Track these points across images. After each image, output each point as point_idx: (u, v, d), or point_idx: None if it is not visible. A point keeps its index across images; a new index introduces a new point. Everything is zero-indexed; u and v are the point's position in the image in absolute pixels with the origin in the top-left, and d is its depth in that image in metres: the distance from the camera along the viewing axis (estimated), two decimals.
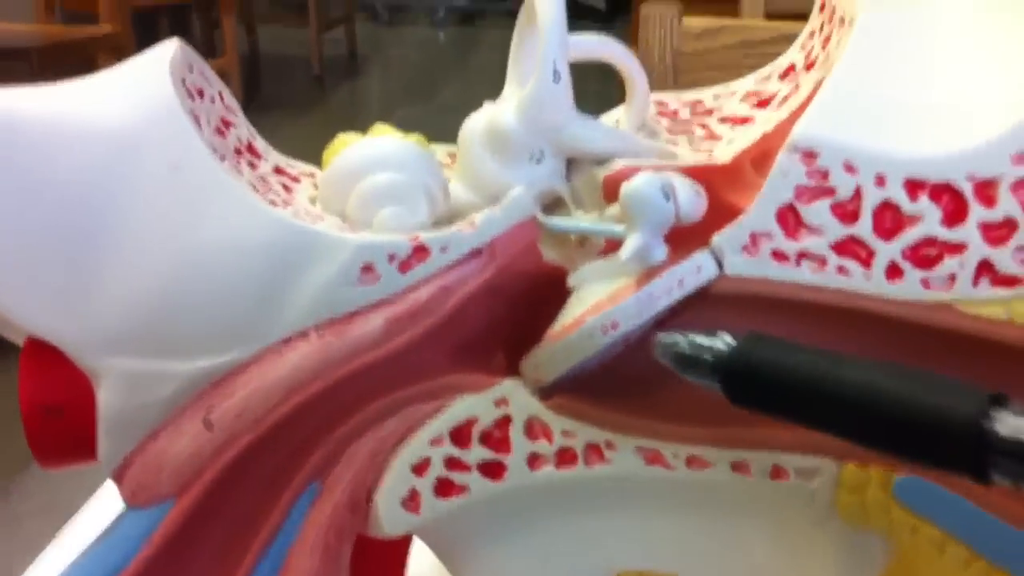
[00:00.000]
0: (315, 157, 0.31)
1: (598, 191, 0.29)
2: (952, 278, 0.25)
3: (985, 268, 0.24)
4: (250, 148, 0.31)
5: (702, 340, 0.23)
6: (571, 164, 0.30)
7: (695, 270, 0.26)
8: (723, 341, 0.23)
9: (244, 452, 0.27)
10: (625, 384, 0.27)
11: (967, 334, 0.25)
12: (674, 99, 0.35)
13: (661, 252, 0.26)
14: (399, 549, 0.33)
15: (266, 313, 0.26)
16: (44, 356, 0.27)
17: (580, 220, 0.28)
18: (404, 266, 0.27)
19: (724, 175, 0.28)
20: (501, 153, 0.29)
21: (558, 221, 0.28)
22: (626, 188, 0.26)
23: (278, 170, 0.31)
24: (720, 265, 0.26)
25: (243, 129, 0.31)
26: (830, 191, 0.25)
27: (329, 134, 0.30)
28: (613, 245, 0.28)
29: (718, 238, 0.26)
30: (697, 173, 0.28)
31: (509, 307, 0.28)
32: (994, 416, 0.18)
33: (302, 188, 0.31)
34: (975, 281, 0.24)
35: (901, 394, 0.19)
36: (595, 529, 0.29)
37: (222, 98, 0.31)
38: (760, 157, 0.29)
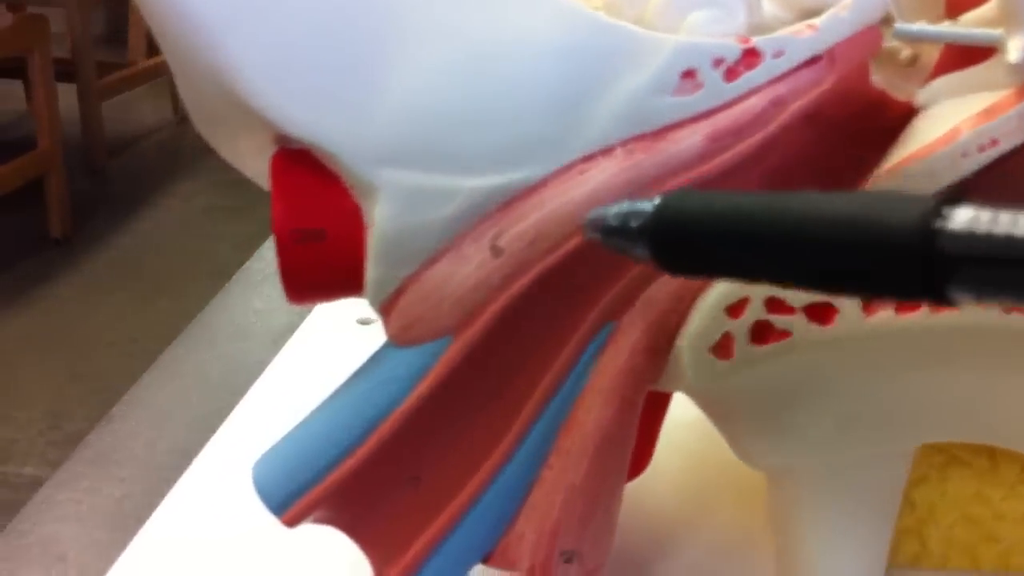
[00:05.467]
0: None
1: (932, 7, 0.25)
2: None
3: None
4: None
5: (629, 206, 0.20)
6: None
7: None
8: (651, 203, 0.19)
9: (535, 283, 0.23)
10: None
11: None
12: None
13: None
14: (655, 417, 0.30)
15: (567, 125, 0.23)
16: (298, 176, 0.24)
17: (938, 27, 0.24)
18: (731, 73, 0.23)
19: None
20: None
21: (917, 27, 0.24)
22: None
23: None
24: None
25: None
26: None
27: None
28: (953, 61, 0.24)
29: None
30: None
31: (831, 130, 0.24)
32: (946, 213, 0.14)
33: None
34: None
35: (841, 213, 0.16)
36: (910, 392, 0.25)
37: None
38: None
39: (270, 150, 0.24)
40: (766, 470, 0.27)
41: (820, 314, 0.23)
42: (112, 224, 2.09)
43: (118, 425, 0.38)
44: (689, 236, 0.18)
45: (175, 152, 2.43)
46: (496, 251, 0.23)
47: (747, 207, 0.17)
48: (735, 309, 0.24)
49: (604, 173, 0.23)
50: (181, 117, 2.54)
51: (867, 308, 0.23)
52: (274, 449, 0.25)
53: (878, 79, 0.25)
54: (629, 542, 0.30)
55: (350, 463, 0.24)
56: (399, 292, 0.24)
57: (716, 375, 0.24)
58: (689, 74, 0.23)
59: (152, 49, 2.52)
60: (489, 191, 0.23)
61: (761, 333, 0.24)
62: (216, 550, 0.31)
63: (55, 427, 1.53)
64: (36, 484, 1.35)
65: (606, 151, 0.23)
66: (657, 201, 0.19)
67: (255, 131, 0.24)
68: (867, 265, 0.15)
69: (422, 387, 0.24)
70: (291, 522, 0.25)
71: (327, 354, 0.40)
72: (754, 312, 0.24)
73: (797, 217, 0.16)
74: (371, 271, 0.23)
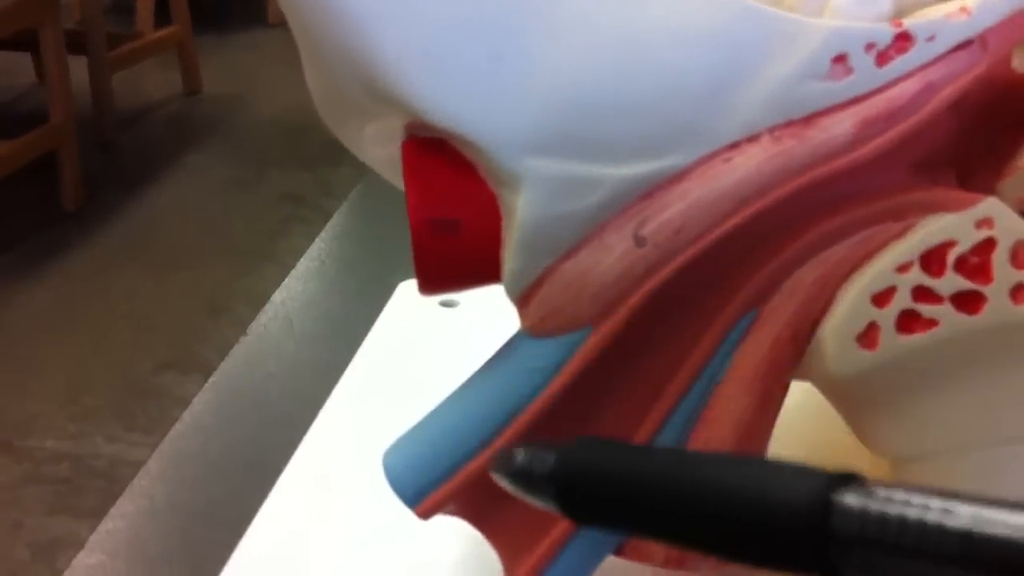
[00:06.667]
0: None
1: None
2: None
3: None
4: None
5: (533, 453, 0.19)
6: None
7: None
8: (555, 452, 0.19)
9: (679, 273, 0.23)
10: None
11: None
12: None
13: None
14: None
15: (715, 111, 0.22)
16: (432, 166, 0.24)
17: None
18: (882, 58, 0.22)
19: None
20: None
21: None
22: None
23: None
24: None
25: None
26: None
27: None
28: None
29: None
30: None
31: (975, 117, 0.24)
32: (843, 490, 0.14)
33: None
34: None
35: (742, 485, 0.16)
36: None
37: None
38: None
39: (400, 139, 0.24)
40: (896, 458, 0.27)
41: (969, 303, 0.23)
42: (125, 197, 2.08)
43: (204, 419, 0.38)
44: (593, 490, 0.18)
45: (185, 125, 2.42)
46: (639, 241, 0.23)
47: (651, 467, 0.17)
48: (882, 298, 0.23)
49: (751, 161, 0.23)
50: (190, 90, 2.52)
51: (1016, 296, 0.23)
52: (406, 439, 0.25)
53: (1018, 64, 0.24)
54: None
55: (487, 455, 0.24)
56: (538, 283, 0.23)
57: (859, 365, 0.24)
58: (840, 59, 0.22)
59: (160, 20, 2.50)
60: (634, 180, 0.23)
61: (908, 322, 0.23)
62: (328, 543, 0.31)
63: (74, 401, 1.53)
64: (58, 458, 1.35)
65: (752, 138, 0.23)
66: (560, 451, 0.19)
67: (388, 120, 0.24)
68: (764, 541, 0.15)
69: (559, 380, 0.24)
70: (425, 514, 0.24)
71: (413, 337, 0.40)
72: (901, 301, 0.23)
73: (699, 485, 0.16)
74: (510, 262, 0.23)
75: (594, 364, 0.23)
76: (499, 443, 0.24)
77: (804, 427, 0.32)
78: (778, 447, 0.31)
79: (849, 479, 0.14)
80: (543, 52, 0.22)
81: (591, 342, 0.23)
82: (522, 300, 0.24)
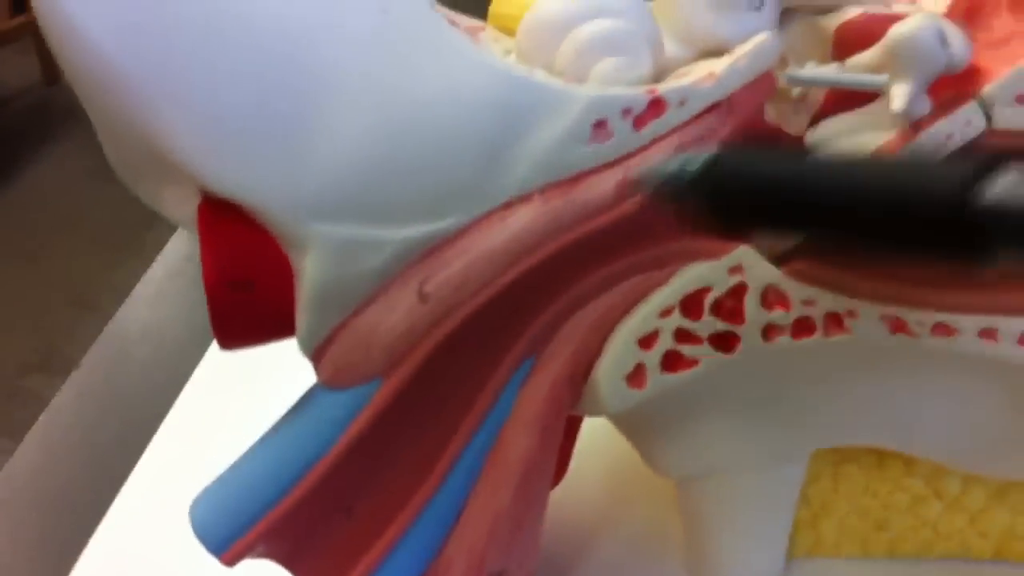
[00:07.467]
0: None
1: (821, 43, 0.27)
2: None
3: None
4: None
5: (686, 158, 0.22)
6: (783, 15, 0.28)
7: (964, 123, 0.24)
8: (707, 156, 0.21)
9: (460, 325, 0.24)
10: None
11: None
12: None
13: (925, 104, 0.24)
14: (570, 433, 0.32)
15: (487, 175, 0.24)
16: (226, 227, 0.24)
17: (827, 72, 0.26)
18: (639, 122, 0.24)
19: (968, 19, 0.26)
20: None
21: (806, 73, 0.25)
22: (899, 33, 0.23)
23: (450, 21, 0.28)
24: (988, 118, 0.24)
25: None
26: None
27: None
28: (842, 100, 0.26)
29: (990, 89, 0.24)
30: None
31: None
32: (992, 176, 0.16)
33: (484, 41, 0.28)
34: None
35: (890, 174, 0.17)
36: (806, 405, 0.27)
37: None
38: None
39: (196, 199, 0.25)
40: (675, 478, 0.29)
41: (724, 343, 0.25)
42: None
43: (38, 449, 0.38)
44: (736, 186, 0.20)
45: (46, 114, 2.34)
46: (423, 297, 0.24)
47: (791, 164, 0.19)
48: (647, 340, 0.25)
49: (523, 219, 0.24)
50: (49, 78, 2.43)
51: (767, 335, 0.25)
52: (210, 490, 0.26)
53: (771, 114, 0.26)
54: (549, 543, 0.32)
55: (287, 502, 0.25)
56: (329, 339, 0.24)
57: (630, 402, 0.26)
58: (600, 124, 0.24)
59: (17, 6, 2.41)
60: (415, 240, 0.24)
61: (671, 362, 0.25)
62: (176, 542, 0.32)
63: None
64: None
65: (525, 198, 0.24)
66: (713, 152, 0.20)
67: (180, 183, 0.24)
68: (914, 223, 0.17)
69: (354, 428, 0.25)
70: (231, 562, 0.25)
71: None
72: (664, 342, 0.25)
73: (844, 175, 0.18)
74: (301, 321, 0.24)
75: (386, 413, 0.25)
76: (299, 491, 0.25)
77: (604, 445, 0.34)
78: (584, 464, 0.33)
79: (999, 161, 0.16)
80: (323, 123, 0.23)
81: (382, 393, 0.25)
82: (316, 355, 0.25)
